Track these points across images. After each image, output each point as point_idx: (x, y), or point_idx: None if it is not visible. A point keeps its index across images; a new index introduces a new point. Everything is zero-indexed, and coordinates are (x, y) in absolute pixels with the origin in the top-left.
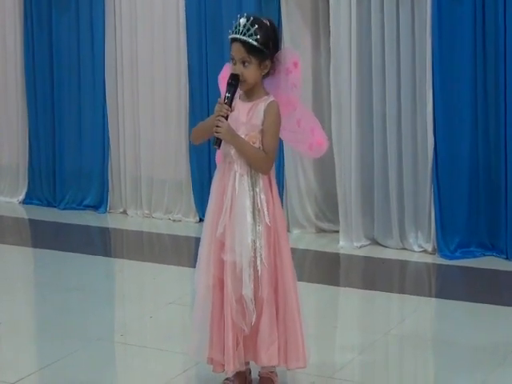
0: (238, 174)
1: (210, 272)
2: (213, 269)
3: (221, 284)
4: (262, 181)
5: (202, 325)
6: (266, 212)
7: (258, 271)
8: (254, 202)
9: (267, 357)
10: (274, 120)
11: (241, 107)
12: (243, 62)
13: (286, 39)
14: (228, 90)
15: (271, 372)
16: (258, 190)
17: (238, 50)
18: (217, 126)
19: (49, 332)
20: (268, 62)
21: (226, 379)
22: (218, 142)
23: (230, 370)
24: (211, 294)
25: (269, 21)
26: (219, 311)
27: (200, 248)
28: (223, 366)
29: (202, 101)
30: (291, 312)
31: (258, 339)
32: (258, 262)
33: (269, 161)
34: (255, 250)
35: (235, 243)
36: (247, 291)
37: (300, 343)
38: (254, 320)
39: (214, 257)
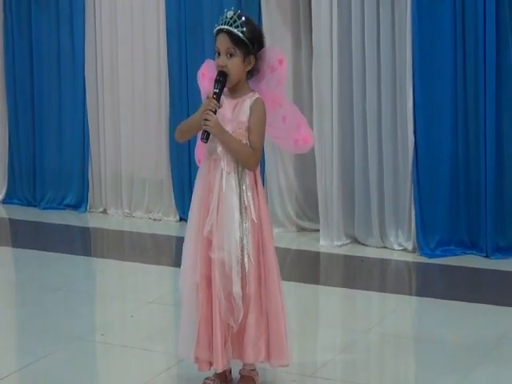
0: (224, 172)
1: (197, 270)
2: (200, 267)
3: (208, 282)
4: (248, 178)
5: (190, 323)
6: (252, 209)
7: (245, 268)
8: (240, 200)
9: (254, 353)
10: (260, 117)
11: (226, 104)
12: (228, 54)
13: (267, 37)
14: (216, 86)
15: (252, 370)
16: (244, 187)
17: (223, 41)
18: (205, 120)
19: (29, 332)
20: (252, 59)
21: (207, 378)
22: (206, 135)
23: (219, 368)
24: (198, 292)
25: (257, 25)
26: (206, 309)
27: (185, 246)
28: (209, 364)
29: (182, 100)
30: (275, 309)
31: (245, 336)
32: (246, 259)
33: (256, 157)
34: (242, 247)
35: (223, 241)
36: (236, 289)
37: (284, 341)
38: (241, 317)
39: (201, 255)
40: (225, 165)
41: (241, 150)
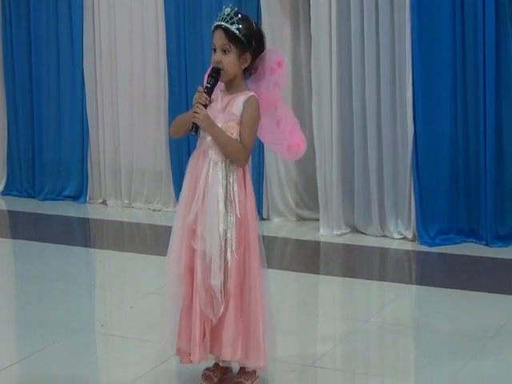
0: (212, 162)
1: (181, 261)
2: (184, 257)
3: (191, 272)
4: (236, 172)
5: (174, 315)
6: (237, 203)
7: (227, 262)
8: (226, 192)
9: (231, 351)
10: (252, 113)
11: (221, 99)
12: (223, 50)
13: (266, 28)
14: (208, 81)
15: None
16: (231, 180)
17: (219, 37)
18: (195, 112)
19: (29, 323)
20: (248, 56)
21: (207, 369)
22: (195, 128)
23: (196, 360)
24: (182, 283)
25: (256, 25)
26: (189, 300)
27: (172, 236)
28: (190, 356)
29: (181, 90)
30: (254, 310)
31: (224, 332)
32: (229, 253)
33: (245, 153)
34: (226, 240)
35: (206, 232)
36: (216, 281)
37: (260, 342)
38: (221, 311)
39: (186, 244)
40: (213, 154)
41: (230, 145)
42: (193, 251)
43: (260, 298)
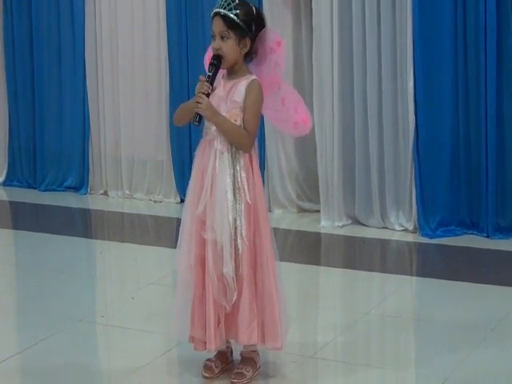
0: (218, 152)
1: (192, 251)
2: (194, 247)
3: (202, 262)
4: (242, 159)
5: (185, 304)
6: (246, 190)
7: (238, 249)
8: (234, 180)
9: (247, 335)
10: (255, 98)
11: (223, 85)
12: (222, 37)
13: (267, 19)
14: (210, 69)
15: (253, 351)
16: (238, 167)
17: (217, 24)
18: (197, 102)
19: (30, 314)
20: (248, 41)
21: (208, 359)
22: (198, 117)
23: (212, 348)
24: (193, 273)
25: (255, 7)
26: (201, 289)
27: (181, 227)
28: (205, 344)
29: (182, 80)
30: (269, 292)
31: (239, 317)
32: (239, 241)
33: (250, 138)
34: (236, 228)
35: (216, 221)
36: (228, 269)
37: (277, 324)
38: (235, 298)
39: (196, 235)
40: (218, 144)
41: (234, 132)
42: (203, 242)
43: (274, 280)
